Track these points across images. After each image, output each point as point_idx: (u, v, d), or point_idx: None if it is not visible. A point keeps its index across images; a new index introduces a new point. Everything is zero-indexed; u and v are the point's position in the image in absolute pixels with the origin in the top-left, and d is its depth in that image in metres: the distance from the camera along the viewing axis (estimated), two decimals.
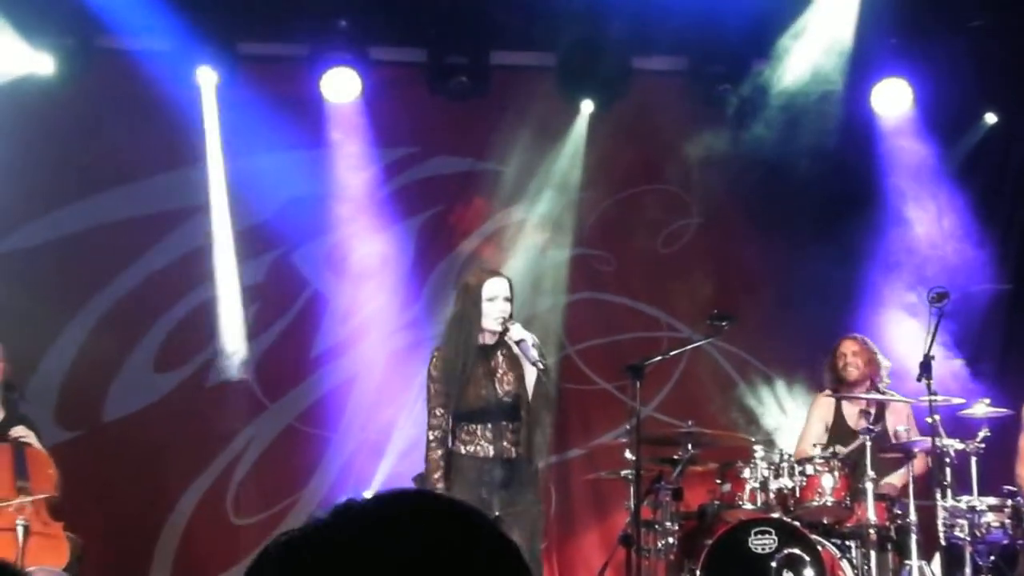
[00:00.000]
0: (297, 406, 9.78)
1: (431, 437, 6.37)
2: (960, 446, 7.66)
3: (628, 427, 7.79)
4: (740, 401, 9.87)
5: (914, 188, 9.99)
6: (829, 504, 7.79)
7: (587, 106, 10.04)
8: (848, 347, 8.46)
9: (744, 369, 10.05)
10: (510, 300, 6.40)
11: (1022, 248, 10.13)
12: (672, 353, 8.46)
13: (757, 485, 7.87)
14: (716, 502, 8.04)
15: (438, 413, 6.37)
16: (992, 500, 7.60)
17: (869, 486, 7.64)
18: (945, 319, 7.75)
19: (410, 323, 9.93)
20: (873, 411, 8.18)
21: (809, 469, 7.83)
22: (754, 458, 7.94)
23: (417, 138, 10.10)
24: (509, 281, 6.51)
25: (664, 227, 10.24)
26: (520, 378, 6.36)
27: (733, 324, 7.91)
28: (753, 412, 9.81)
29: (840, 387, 8.47)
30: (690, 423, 8.04)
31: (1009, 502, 7.61)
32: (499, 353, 6.42)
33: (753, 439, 8.46)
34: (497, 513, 6.16)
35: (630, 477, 7.52)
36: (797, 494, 7.83)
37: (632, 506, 7.42)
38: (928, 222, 9.89)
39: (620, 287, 10.18)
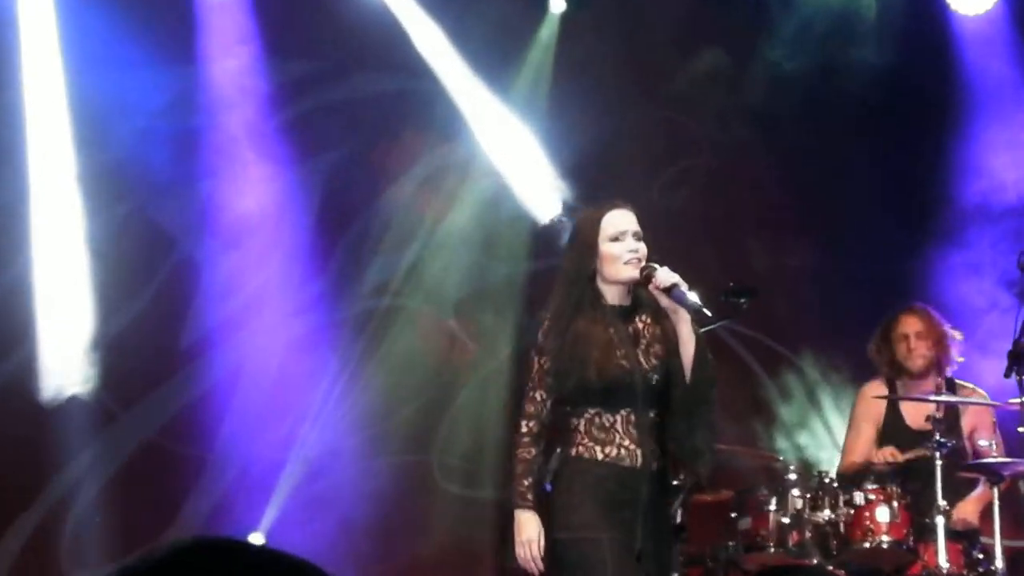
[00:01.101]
0: (158, 416, 9.65)
1: (525, 429, 5.93)
2: None
3: None
4: (764, 404, 9.89)
5: (1001, 116, 9.99)
6: (885, 545, 7.74)
7: (557, 4, 10.08)
8: (910, 325, 8.37)
9: (769, 360, 10.06)
10: (641, 238, 6.00)
11: None
12: None
13: (788, 520, 7.82)
14: (732, 543, 8.03)
15: (538, 398, 5.94)
16: None
17: (939, 520, 7.57)
18: None
19: (314, 301, 9.89)
20: (943, 415, 7.99)
21: (858, 498, 7.76)
22: (783, 483, 7.92)
23: (326, 48, 9.97)
24: (634, 212, 6.10)
25: (663, 170, 10.18)
26: (673, 350, 5.93)
27: (754, 300, 7.90)
28: (782, 419, 9.82)
29: (899, 377, 8.44)
30: None
31: None
32: (639, 316, 6.04)
33: (781, 456, 8.48)
34: (640, 547, 5.87)
35: None
36: (842, 531, 7.78)
37: None
38: (1019, 161, 9.88)
39: None
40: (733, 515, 8.03)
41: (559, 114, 10.06)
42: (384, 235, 10.01)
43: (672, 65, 9.93)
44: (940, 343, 8.35)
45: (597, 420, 5.91)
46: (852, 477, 8.04)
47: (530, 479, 5.87)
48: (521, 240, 10.04)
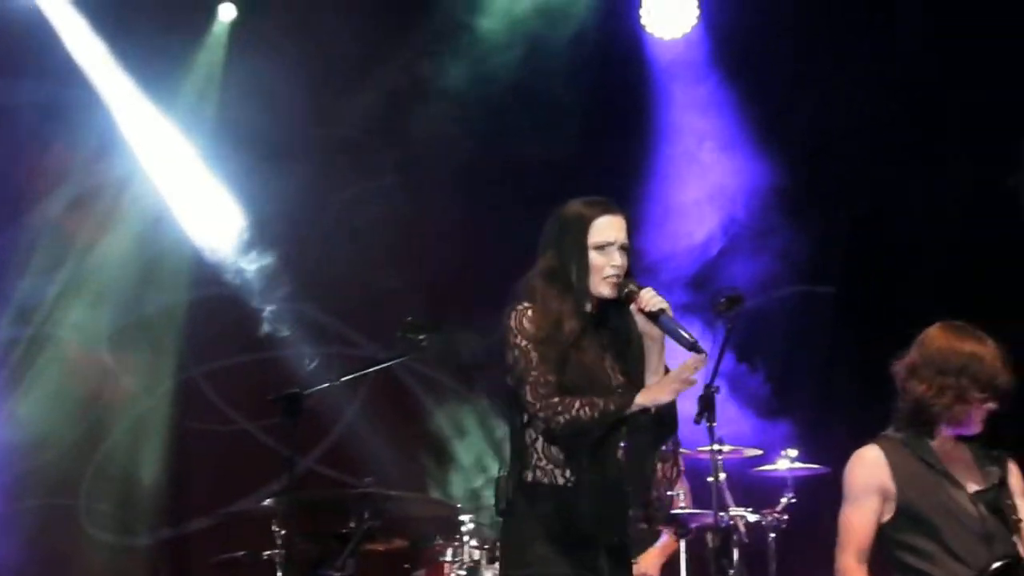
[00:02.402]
0: None
1: (555, 398, 5.43)
2: (754, 518, 7.80)
3: (277, 487, 7.87)
4: (442, 449, 9.85)
5: (696, 145, 10.10)
6: None
7: (227, 11, 10.09)
8: None
9: (448, 402, 10.04)
10: (627, 250, 5.72)
11: (853, 232, 10.21)
12: (345, 378, 8.29)
13: (464, 572, 7.87)
14: None
15: (551, 379, 5.46)
16: None
17: None
18: (736, 334, 7.46)
19: None
20: None
21: None
22: (460, 532, 7.92)
23: None
24: (626, 218, 5.79)
25: (341, 191, 10.22)
26: (638, 374, 5.61)
27: (436, 337, 7.83)
28: (461, 465, 9.77)
29: None
30: (369, 480, 8.01)
31: None
32: (606, 332, 5.74)
33: (459, 504, 8.47)
34: None
35: (279, 560, 7.56)
36: None
37: None
38: (713, 194, 10.01)
39: (271, 280, 10.00)
40: (406, 567, 8.09)
41: (228, 128, 10.00)
42: (30, 258, 9.80)
43: (357, 80, 9.97)
44: None
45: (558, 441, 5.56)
46: None
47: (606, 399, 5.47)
48: (183, 267, 9.94)
